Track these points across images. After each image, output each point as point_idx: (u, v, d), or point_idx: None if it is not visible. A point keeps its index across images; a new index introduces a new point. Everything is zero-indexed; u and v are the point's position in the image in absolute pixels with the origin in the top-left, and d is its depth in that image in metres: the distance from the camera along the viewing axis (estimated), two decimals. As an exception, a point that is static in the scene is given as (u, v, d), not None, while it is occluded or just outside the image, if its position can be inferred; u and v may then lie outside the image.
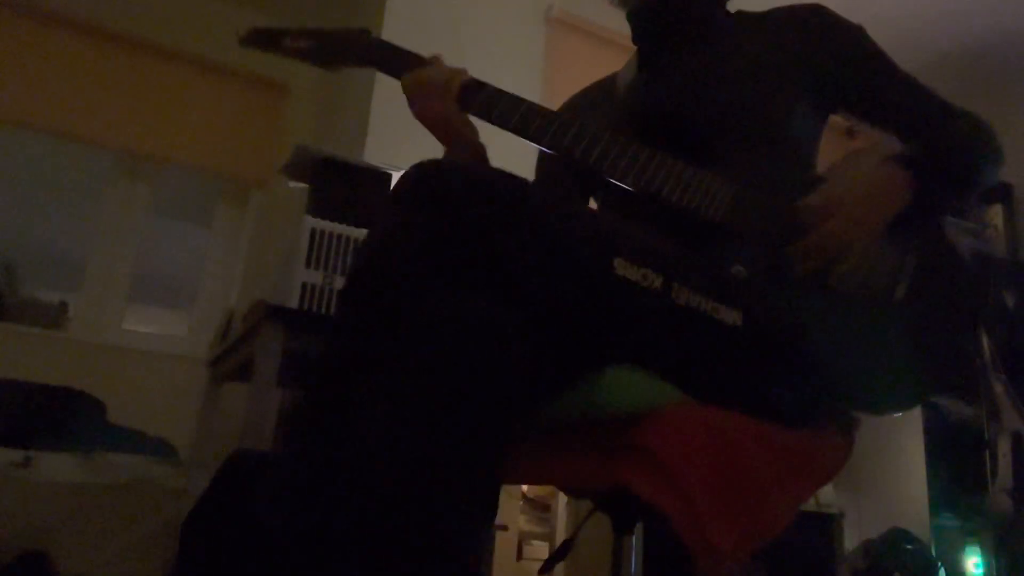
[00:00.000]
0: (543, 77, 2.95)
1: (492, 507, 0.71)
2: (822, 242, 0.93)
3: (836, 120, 1.13)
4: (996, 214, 3.18)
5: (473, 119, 1.08)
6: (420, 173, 0.79)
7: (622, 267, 0.82)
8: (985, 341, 2.35)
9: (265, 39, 1.16)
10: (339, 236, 1.69)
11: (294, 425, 0.74)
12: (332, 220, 1.70)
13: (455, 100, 1.05)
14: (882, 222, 0.97)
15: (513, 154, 1.16)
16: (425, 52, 1.12)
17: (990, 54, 3.26)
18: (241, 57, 3.37)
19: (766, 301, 0.91)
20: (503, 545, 2.38)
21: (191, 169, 3.27)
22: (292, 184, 2.12)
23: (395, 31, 2.69)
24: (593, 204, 1.26)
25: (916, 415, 2.63)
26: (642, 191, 0.97)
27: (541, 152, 1.26)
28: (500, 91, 1.05)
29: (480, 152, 1.10)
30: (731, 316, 0.87)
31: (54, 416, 2.44)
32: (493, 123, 1.03)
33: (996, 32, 3.15)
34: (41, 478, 2.14)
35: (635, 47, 1.21)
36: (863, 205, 0.95)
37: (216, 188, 3.40)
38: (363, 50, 1.12)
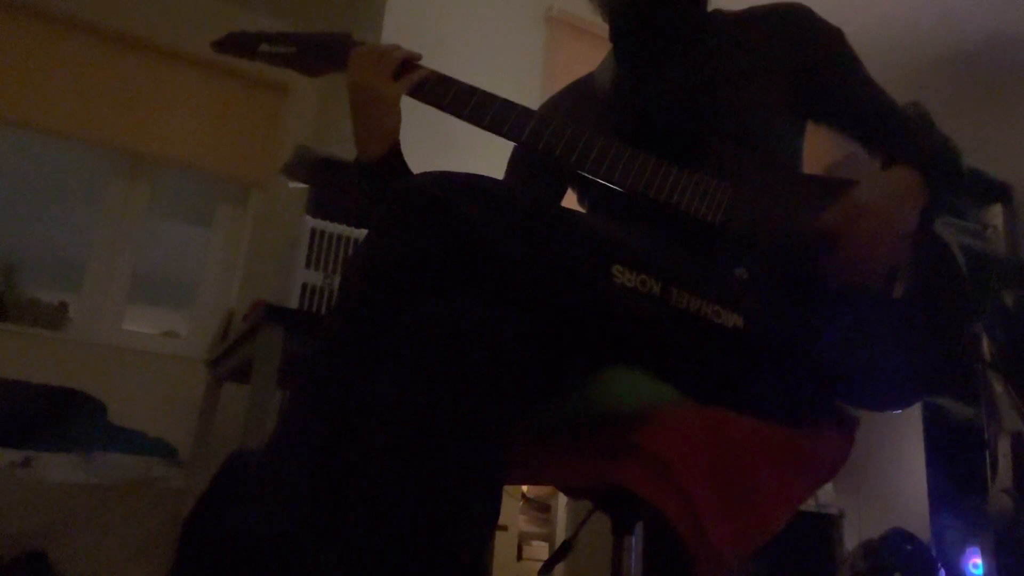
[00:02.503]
0: (543, 77, 2.95)
1: (495, 510, 0.71)
2: (855, 248, 0.92)
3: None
4: (996, 214, 3.18)
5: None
6: (420, 182, 0.79)
7: (620, 274, 0.82)
8: (985, 341, 2.35)
9: (241, 44, 1.10)
10: (339, 236, 1.69)
11: (286, 429, 0.73)
12: (332, 220, 1.70)
13: (391, 74, 1.01)
14: (910, 222, 0.96)
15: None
16: (424, 53, 1.11)
17: (989, 55, 3.26)
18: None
19: (767, 303, 0.91)
20: (503, 545, 2.38)
21: (191, 169, 3.27)
22: (292, 184, 2.12)
23: (395, 32, 2.69)
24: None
25: (916, 415, 2.63)
26: (638, 194, 0.96)
27: (514, 151, 1.24)
28: (452, 79, 1.02)
29: (391, 143, 1.03)
30: (732, 319, 0.87)
31: (54, 416, 2.44)
32: (445, 111, 1.00)
33: (995, 33, 3.15)
34: (41, 478, 2.14)
35: (613, 45, 1.18)
36: (889, 207, 0.94)
37: (216, 188, 3.40)
38: (345, 55, 1.06)
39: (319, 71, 1.11)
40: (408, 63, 1.04)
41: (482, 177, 0.84)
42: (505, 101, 1.00)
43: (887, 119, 1.08)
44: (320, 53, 1.09)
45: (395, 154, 1.04)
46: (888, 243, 0.93)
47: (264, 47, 1.10)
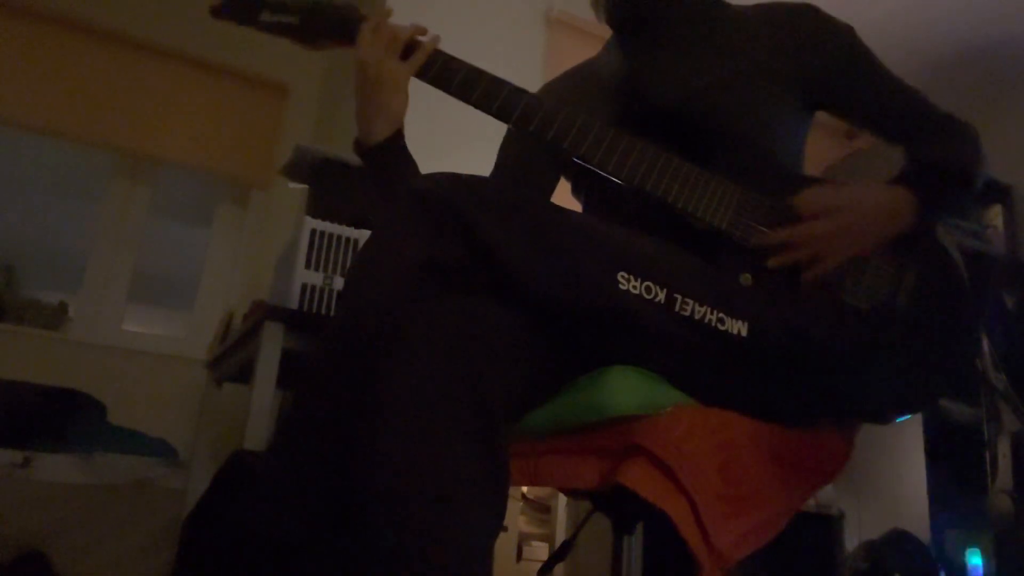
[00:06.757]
0: (543, 78, 2.95)
1: (500, 513, 0.71)
2: (797, 239, 0.93)
3: (837, 122, 1.13)
4: (996, 214, 3.18)
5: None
6: (430, 184, 0.79)
7: (626, 280, 0.82)
8: (985, 341, 2.35)
9: (241, 11, 1.05)
10: (339, 237, 1.69)
11: (291, 430, 0.73)
12: (332, 220, 1.70)
13: (398, 53, 0.99)
14: (875, 244, 0.97)
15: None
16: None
17: (988, 55, 3.26)
18: (241, 57, 3.38)
19: (772, 310, 0.91)
20: (503, 546, 2.38)
21: (191, 170, 3.27)
22: (292, 184, 2.12)
23: (395, 31, 2.68)
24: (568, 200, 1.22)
25: (916, 416, 2.63)
26: (645, 191, 0.96)
27: (507, 134, 1.21)
28: (461, 61, 1.00)
29: (395, 126, 1.01)
30: (736, 327, 0.87)
31: (54, 417, 2.43)
32: (452, 94, 0.99)
33: (994, 33, 3.15)
34: (41, 479, 2.14)
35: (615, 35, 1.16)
36: (860, 220, 0.95)
37: (216, 188, 3.40)
38: (350, 28, 1.03)
39: (323, 44, 1.07)
40: (416, 41, 1.02)
41: (489, 180, 0.84)
42: (514, 87, 0.98)
43: (901, 115, 1.07)
44: (325, 25, 1.05)
45: (398, 138, 1.02)
46: (835, 251, 0.93)
47: (265, 15, 1.05)
